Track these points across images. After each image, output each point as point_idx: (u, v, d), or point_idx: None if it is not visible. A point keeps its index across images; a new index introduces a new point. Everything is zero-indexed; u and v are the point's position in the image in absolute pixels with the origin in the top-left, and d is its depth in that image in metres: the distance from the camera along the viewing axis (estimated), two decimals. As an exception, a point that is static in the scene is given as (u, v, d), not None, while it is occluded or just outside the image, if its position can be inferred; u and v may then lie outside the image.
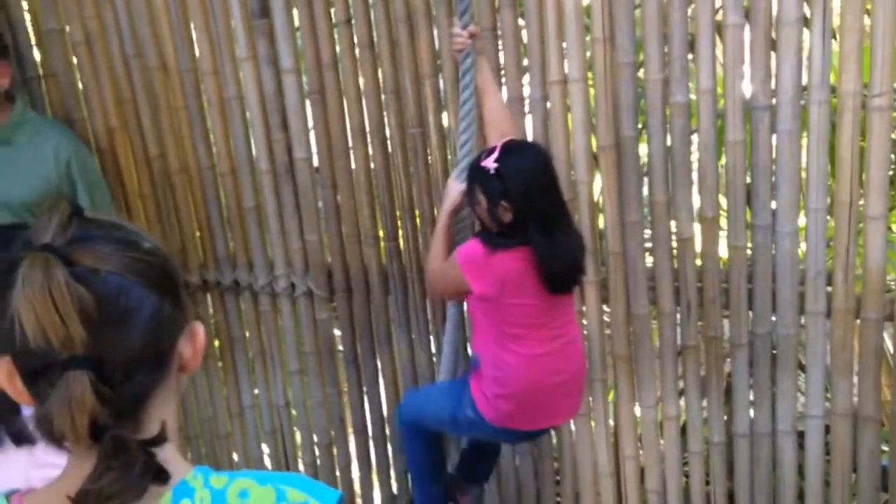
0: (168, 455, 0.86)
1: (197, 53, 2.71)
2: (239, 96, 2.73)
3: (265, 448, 3.19)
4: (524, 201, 2.00)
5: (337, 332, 2.98)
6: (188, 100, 2.77)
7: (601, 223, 2.57)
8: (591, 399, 2.63)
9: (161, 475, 0.84)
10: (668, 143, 2.33)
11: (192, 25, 2.68)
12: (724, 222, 2.38)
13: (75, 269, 0.81)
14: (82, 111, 2.87)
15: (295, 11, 2.60)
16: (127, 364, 0.83)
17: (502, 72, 2.44)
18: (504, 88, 2.44)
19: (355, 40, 2.54)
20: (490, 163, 2.02)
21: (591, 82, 2.43)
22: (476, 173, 2.07)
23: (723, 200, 2.39)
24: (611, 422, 2.69)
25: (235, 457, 3.21)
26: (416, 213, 2.64)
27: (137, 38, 2.72)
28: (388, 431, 2.97)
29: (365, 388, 2.93)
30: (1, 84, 2.48)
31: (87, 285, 0.80)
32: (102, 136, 2.86)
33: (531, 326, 2.08)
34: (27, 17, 2.82)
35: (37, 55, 2.87)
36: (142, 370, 0.85)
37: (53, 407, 0.80)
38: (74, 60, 2.84)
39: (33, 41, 2.85)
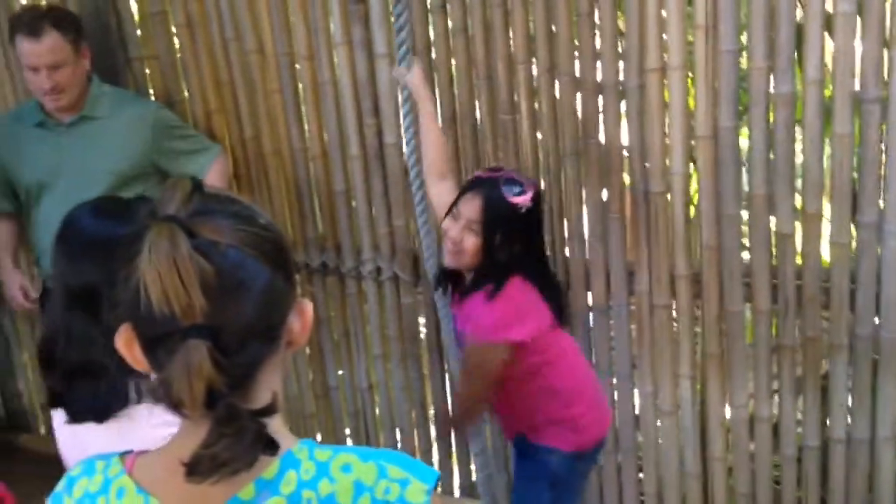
0: (276, 426, 0.88)
1: (293, 38, 2.75)
2: (332, 81, 2.75)
3: (347, 430, 3.23)
4: (536, 237, 2.08)
5: (421, 319, 2.99)
6: (283, 83, 2.81)
7: (693, 214, 2.50)
8: (678, 395, 2.57)
9: (271, 445, 0.85)
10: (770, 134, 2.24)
11: (289, 10, 2.72)
12: (826, 220, 2.28)
13: (197, 240, 0.83)
14: (182, 93, 2.94)
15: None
16: (242, 334, 0.84)
17: (598, 59, 2.39)
18: (599, 73, 2.39)
19: (449, 25, 2.53)
20: (525, 201, 2.01)
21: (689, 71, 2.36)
22: (507, 213, 2.02)
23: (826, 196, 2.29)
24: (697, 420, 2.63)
25: (319, 437, 3.26)
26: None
27: (236, 22, 2.78)
28: (469, 419, 2.96)
29: (447, 374, 2.93)
30: (86, 67, 2.57)
31: (207, 257, 0.82)
32: (201, 119, 2.93)
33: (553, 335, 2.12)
34: (132, 1, 2.89)
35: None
36: (255, 341, 0.86)
37: (173, 373, 0.81)
38: (176, 43, 2.91)
39: (136, 23, 2.93)
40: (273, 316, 0.88)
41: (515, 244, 2.03)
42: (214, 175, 2.74)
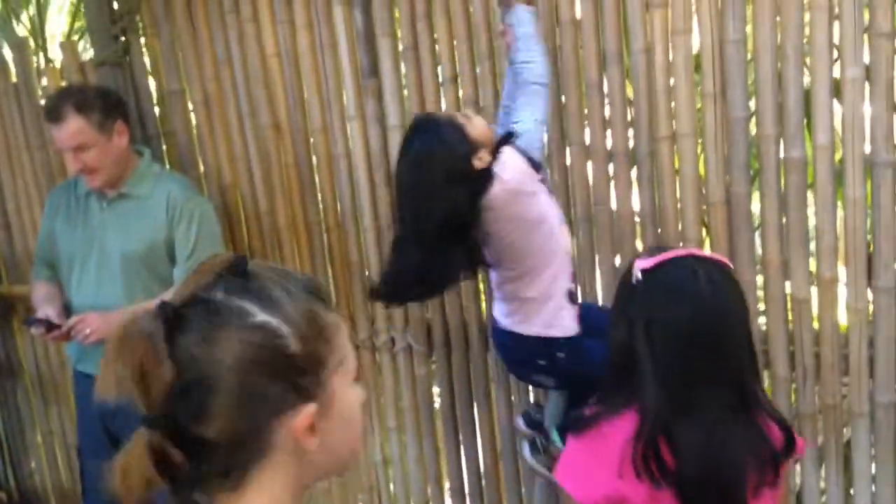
0: None
1: (307, 113, 2.80)
2: (346, 153, 2.79)
3: (361, 504, 3.17)
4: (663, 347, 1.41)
5: (435, 389, 2.96)
6: (298, 157, 2.85)
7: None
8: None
9: None
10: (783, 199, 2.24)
11: (303, 86, 2.77)
12: (842, 284, 2.26)
13: (189, 328, 0.83)
14: (198, 168, 2.98)
15: (403, 69, 2.66)
16: (208, 433, 0.83)
17: (608, 128, 2.42)
18: (609, 142, 2.42)
19: (461, 96, 2.58)
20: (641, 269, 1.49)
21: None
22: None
23: (841, 261, 2.28)
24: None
25: (332, 512, 3.20)
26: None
27: (252, 99, 2.84)
28: (484, 490, 2.91)
29: (462, 446, 2.89)
30: (120, 142, 2.56)
31: (183, 348, 0.82)
32: (216, 194, 2.96)
33: None
34: (151, 80, 2.96)
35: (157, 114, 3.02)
36: (228, 443, 0.84)
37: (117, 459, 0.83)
38: (193, 120, 2.97)
39: (155, 100, 3.00)
40: (250, 420, 0.84)
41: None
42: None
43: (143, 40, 2.94)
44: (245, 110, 2.86)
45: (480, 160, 2.05)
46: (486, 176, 2.03)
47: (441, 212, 2.01)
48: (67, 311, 2.58)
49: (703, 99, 2.28)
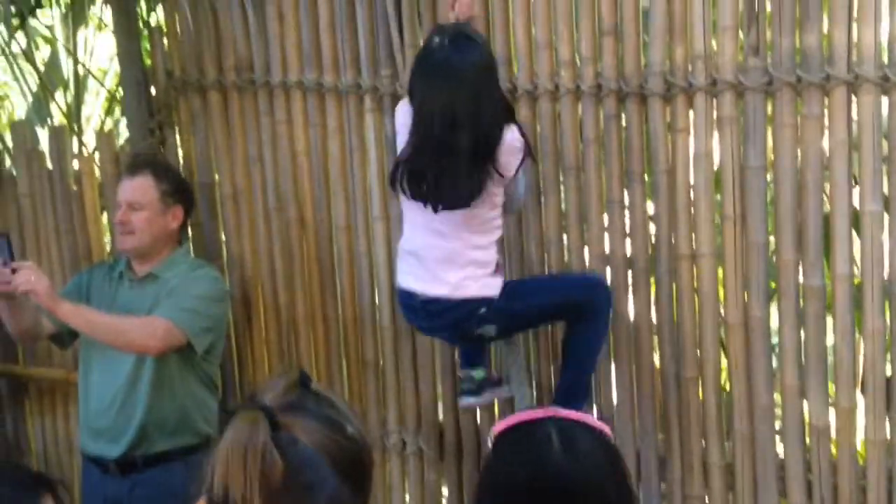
0: None
1: (333, 209, 2.85)
2: (368, 252, 2.83)
3: None
4: None
5: (444, 489, 2.92)
6: (321, 252, 2.89)
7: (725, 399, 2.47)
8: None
9: None
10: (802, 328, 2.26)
11: (331, 185, 2.83)
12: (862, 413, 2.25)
13: (279, 434, 0.86)
14: (222, 259, 3.03)
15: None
16: None
17: (628, 239, 2.46)
18: (629, 252, 2.45)
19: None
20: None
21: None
22: None
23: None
24: None
25: None
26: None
27: (280, 194, 2.89)
28: None
29: (469, 556, 2.83)
30: (169, 223, 2.61)
31: (283, 452, 0.86)
32: (237, 285, 2.99)
33: None
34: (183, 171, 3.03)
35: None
36: None
37: None
38: (220, 212, 3.02)
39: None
40: None
41: None
42: (145, 322, 2.51)
43: (178, 133, 3.02)
44: (272, 205, 2.92)
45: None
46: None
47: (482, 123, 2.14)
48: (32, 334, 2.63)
49: (722, 221, 2.32)
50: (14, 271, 2.35)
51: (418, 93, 2.20)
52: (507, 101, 2.32)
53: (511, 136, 2.20)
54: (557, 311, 2.33)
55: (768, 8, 2.22)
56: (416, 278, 2.30)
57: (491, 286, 2.26)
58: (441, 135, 2.14)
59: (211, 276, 2.69)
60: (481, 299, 2.25)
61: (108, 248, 3.15)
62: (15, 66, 4.15)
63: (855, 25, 2.13)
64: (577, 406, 2.30)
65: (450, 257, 2.25)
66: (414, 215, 2.30)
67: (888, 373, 2.25)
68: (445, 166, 2.14)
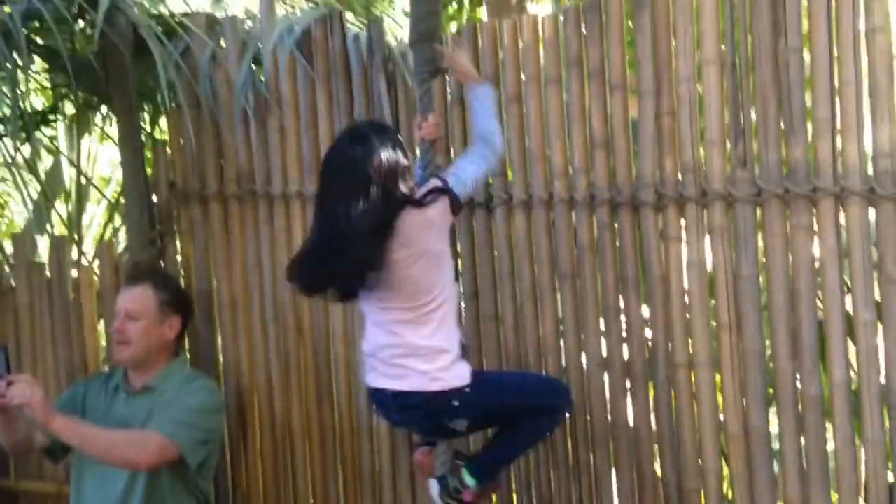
0: None
1: (330, 318, 2.86)
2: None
3: None
4: None
5: None
6: (318, 361, 2.88)
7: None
8: None
9: None
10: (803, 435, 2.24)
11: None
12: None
13: None
14: (218, 369, 3.01)
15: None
16: None
17: (624, 346, 2.46)
18: (625, 355, 2.46)
19: (480, 312, 2.64)
20: None
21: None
22: None
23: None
24: None
25: None
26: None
27: (278, 302, 2.90)
28: None
29: None
30: (166, 333, 2.62)
31: None
32: (232, 394, 2.97)
33: None
34: (182, 279, 3.06)
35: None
36: None
37: None
38: (217, 320, 3.03)
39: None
40: None
41: None
42: (138, 436, 2.49)
43: (178, 242, 3.06)
44: (270, 313, 2.93)
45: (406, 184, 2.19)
46: (409, 199, 2.17)
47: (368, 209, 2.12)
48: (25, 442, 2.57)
49: (718, 329, 2.33)
50: (10, 384, 2.34)
51: (319, 186, 2.28)
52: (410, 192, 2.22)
53: (420, 218, 2.16)
54: (524, 411, 2.30)
55: (754, 121, 2.29)
56: (383, 375, 2.28)
57: (461, 375, 2.24)
58: (336, 220, 2.15)
59: (207, 388, 2.68)
60: (452, 391, 2.22)
61: (103, 358, 3.14)
62: (17, 176, 4.22)
63: (839, 138, 2.19)
64: (488, 483, 2.33)
65: (410, 352, 2.22)
66: (371, 314, 2.31)
67: (890, 479, 2.22)
68: (341, 246, 2.15)
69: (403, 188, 2.17)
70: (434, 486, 2.34)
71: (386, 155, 2.16)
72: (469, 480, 2.29)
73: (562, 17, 2.53)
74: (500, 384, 2.39)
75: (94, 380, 2.76)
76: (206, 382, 2.71)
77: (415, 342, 2.21)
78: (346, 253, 2.13)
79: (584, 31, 2.48)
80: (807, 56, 2.25)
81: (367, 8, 4.08)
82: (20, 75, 2.72)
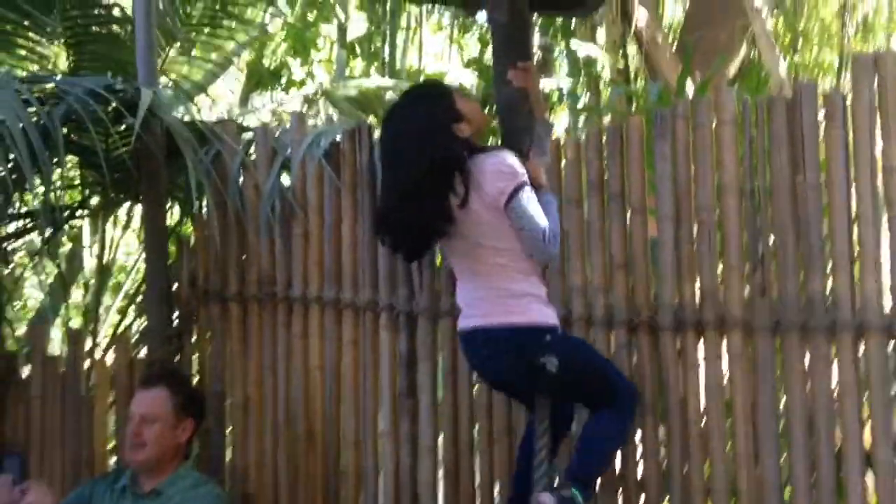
0: None
1: (342, 425, 2.84)
2: (375, 468, 2.80)
3: None
4: None
5: None
6: (327, 468, 2.85)
7: None
8: None
9: None
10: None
11: (342, 400, 2.84)
12: None
13: None
14: (224, 475, 2.97)
15: (440, 392, 2.74)
16: None
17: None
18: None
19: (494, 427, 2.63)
20: None
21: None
22: None
23: None
24: None
25: None
26: None
27: (290, 408, 2.89)
28: None
29: None
30: (180, 435, 2.62)
31: None
32: (238, 500, 2.93)
33: None
34: (196, 378, 3.05)
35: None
36: None
37: None
38: (229, 421, 3.01)
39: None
40: None
41: None
42: None
43: (194, 340, 3.07)
44: (281, 418, 2.91)
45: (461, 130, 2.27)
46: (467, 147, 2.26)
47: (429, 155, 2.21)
48: None
49: (735, 460, 2.31)
50: (24, 492, 2.36)
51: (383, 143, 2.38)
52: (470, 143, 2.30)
53: (493, 161, 2.24)
54: (603, 389, 2.29)
55: (772, 250, 2.33)
56: (478, 315, 2.30)
57: (550, 315, 2.29)
58: (395, 173, 2.28)
59: (213, 494, 2.65)
60: (546, 327, 2.26)
61: (110, 457, 3.11)
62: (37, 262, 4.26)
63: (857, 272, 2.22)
64: (588, 496, 2.24)
65: (501, 294, 2.27)
66: (457, 265, 2.36)
67: None
68: (404, 203, 2.25)
69: (462, 134, 2.27)
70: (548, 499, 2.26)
71: (446, 104, 2.28)
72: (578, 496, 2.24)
73: (583, 139, 2.60)
74: (586, 346, 2.44)
75: (101, 481, 2.73)
76: (213, 488, 2.68)
77: (505, 286, 2.26)
78: (418, 212, 2.24)
79: (605, 153, 2.55)
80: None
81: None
82: (54, 172, 2.79)
